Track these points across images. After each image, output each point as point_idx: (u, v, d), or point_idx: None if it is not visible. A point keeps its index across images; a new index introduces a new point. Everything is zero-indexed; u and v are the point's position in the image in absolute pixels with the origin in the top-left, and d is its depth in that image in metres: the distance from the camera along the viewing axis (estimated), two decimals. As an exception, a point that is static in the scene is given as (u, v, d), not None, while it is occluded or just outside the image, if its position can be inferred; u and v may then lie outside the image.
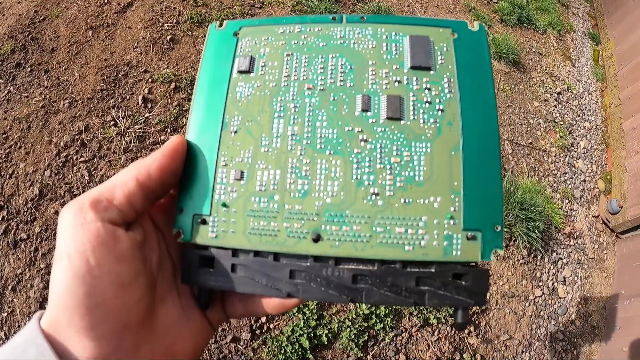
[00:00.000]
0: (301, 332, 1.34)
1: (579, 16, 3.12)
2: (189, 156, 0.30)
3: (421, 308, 1.46)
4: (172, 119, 1.67)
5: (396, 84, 0.31)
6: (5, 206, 1.44)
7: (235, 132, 0.30)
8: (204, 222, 0.29)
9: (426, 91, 0.31)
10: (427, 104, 0.30)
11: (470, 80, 0.31)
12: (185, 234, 0.29)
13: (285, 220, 0.28)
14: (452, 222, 0.28)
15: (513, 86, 2.38)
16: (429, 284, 0.27)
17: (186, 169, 0.30)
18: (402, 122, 0.30)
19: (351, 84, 0.31)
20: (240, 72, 0.32)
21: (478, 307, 1.51)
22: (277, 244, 0.28)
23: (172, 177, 0.29)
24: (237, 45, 0.33)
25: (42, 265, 1.36)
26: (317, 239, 0.28)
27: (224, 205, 0.29)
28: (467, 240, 0.28)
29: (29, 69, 1.72)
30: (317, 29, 0.33)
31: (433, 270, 0.27)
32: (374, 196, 0.28)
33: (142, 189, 0.27)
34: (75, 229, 0.24)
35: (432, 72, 0.31)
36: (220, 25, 0.34)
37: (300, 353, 1.31)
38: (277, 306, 0.29)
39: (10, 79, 1.69)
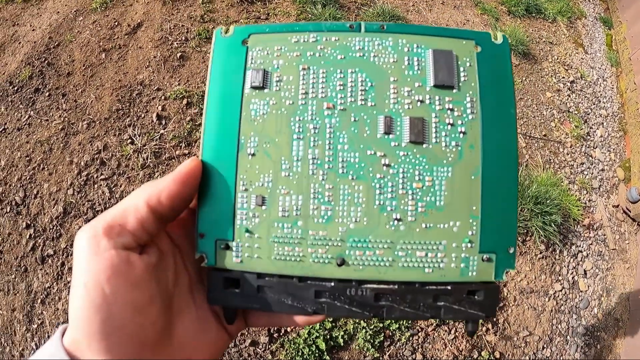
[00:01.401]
0: (317, 334, 1.37)
1: (589, 1, 3.05)
2: (207, 178, 0.30)
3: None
4: (185, 134, 1.72)
5: (418, 104, 0.30)
6: (32, 224, 1.51)
7: (253, 154, 0.30)
8: (228, 247, 0.29)
9: (449, 112, 0.30)
10: (449, 126, 0.30)
11: (492, 100, 0.30)
12: (209, 258, 0.29)
13: (310, 246, 0.29)
14: (469, 245, 0.29)
15: (524, 78, 2.35)
16: (445, 300, 0.29)
17: (204, 191, 0.30)
18: (424, 145, 0.29)
19: (372, 103, 0.30)
20: (254, 87, 0.31)
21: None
22: (302, 268, 0.29)
23: (184, 203, 0.29)
24: (248, 56, 0.31)
25: (68, 279, 1.43)
26: (341, 263, 0.29)
27: (247, 231, 0.29)
28: (482, 262, 0.29)
29: (47, 93, 1.80)
30: (334, 39, 0.31)
31: (449, 287, 0.29)
32: (396, 222, 0.29)
33: (154, 213, 0.27)
34: (90, 257, 0.25)
35: (455, 91, 0.30)
36: (227, 31, 0.32)
37: (317, 355, 1.34)
38: (303, 321, 0.30)
39: (30, 104, 1.77)
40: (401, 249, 0.29)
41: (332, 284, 0.29)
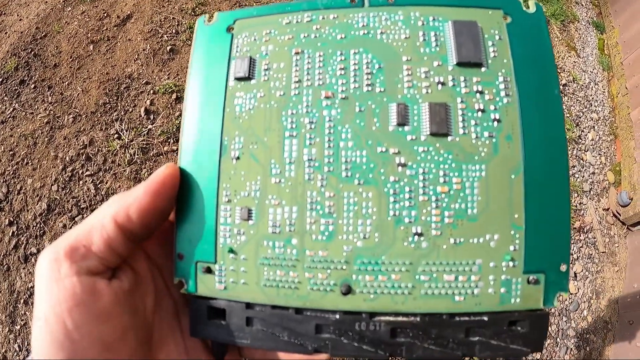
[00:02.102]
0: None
1: (582, 5, 3.07)
2: (185, 188, 0.26)
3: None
4: (174, 130, 1.68)
5: (439, 86, 0.25)
6: (15, 222, 1.47)
7: (238, 158, 0.25)
8: (209, 270, 0.25)
9: (478, 95, 0.25)
10: (479, 113, 0.24)
11: (530, 79, 0.25)
12: (189, 284, 0.25)
13: (307, 269, 0.24)
14: (511, 264, 0.23)
15: (517, 80, 2.35)
16: (480, 333, 0.23)
17: (183, 204, 0.26)
18: (449, 138, 0.24)
19: (381, 89, 0.25)
20: (238, 79, 0.26)
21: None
22: (298, 297, 0.24)
23: (158, 217, 0.25)
24: (233, 44, 0.27)
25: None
26: (347, 291, 0.24)
27: (231, 251, 0.25)
28: (527, 285, 0.23)
29: (32, 85, 1.75)
30: (333, 17, 0.26)
31: (486, 319, 0.23)
32: (416, 237, 0.24)
33: (123, 231, 0.24)
34: (50, 285, 0.22)
35: (483, 69, 0.25)
36: (210, 18, 0.28)
37: None
38: None
39: (15, 96, 1.72)
40: (424, 272, 0.23)
41: (337, 316, 0.24)
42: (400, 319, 0.23)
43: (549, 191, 0.24)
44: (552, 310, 1.61)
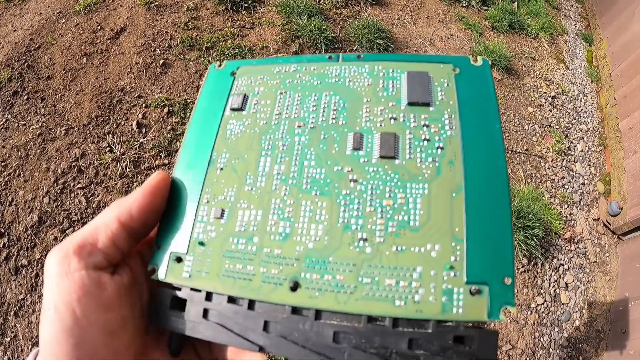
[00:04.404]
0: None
1: (570, 18, 3.13)
2: (174, 192, 0.30)
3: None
4: (166, 144, 1.69)
5: (392, 121, 0.29)
6: (6, 233, 1.46)
7: (221, 169, 0.30)
8: (180, 260, 0.28)
9: (424, 128, 0.28)
10: (425, 142, 0.28)
11: (473, 117, 0.28)
12: (159, 271, 0.28)
13: (262, 264, 0.26)
14: (452, 273, 0.24)
15: (506, 93, 2.38)
16: (424, 347, 0.23)
17: (169, 205, 0.29)
18: (396, 161, 0.27)
19: (343, 122, 0.30)
20: (233, 109, 0.32)
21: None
22: (251, 290, 0.26)
23: (154, 215, 0.29)
24: (233, 84, 0.33)
25: (43, 291, 1.38)
26: (295, 287, 0.25)
27: (201, 243, 0.28)
28: (470, 296, 0.23)
29: (25, 97, 1.75)
30: (313, 68, 0.33)
31: (430, 331, 0.23)
32: (361, 242, 0.25)
33: (126, 229, 0.27)
34: (60, 279, 0.24)
35: (431, 109, 0.29)
36: (220, 65, 0.35)
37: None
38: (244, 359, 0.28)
39: (8, 107, 1.72)
40: (366, 275, 0.24)
41: (285, 314, 0.25)
42: (344, 322, 0.24)
43: (490, 209, 0.25)
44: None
